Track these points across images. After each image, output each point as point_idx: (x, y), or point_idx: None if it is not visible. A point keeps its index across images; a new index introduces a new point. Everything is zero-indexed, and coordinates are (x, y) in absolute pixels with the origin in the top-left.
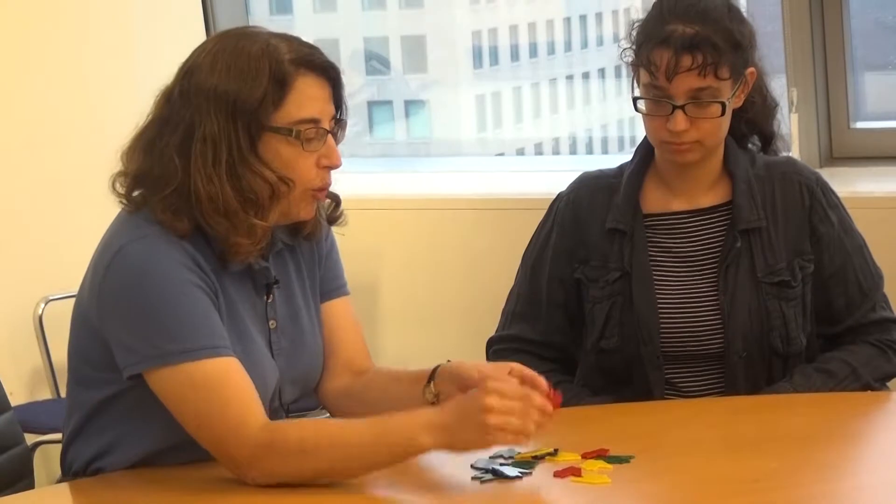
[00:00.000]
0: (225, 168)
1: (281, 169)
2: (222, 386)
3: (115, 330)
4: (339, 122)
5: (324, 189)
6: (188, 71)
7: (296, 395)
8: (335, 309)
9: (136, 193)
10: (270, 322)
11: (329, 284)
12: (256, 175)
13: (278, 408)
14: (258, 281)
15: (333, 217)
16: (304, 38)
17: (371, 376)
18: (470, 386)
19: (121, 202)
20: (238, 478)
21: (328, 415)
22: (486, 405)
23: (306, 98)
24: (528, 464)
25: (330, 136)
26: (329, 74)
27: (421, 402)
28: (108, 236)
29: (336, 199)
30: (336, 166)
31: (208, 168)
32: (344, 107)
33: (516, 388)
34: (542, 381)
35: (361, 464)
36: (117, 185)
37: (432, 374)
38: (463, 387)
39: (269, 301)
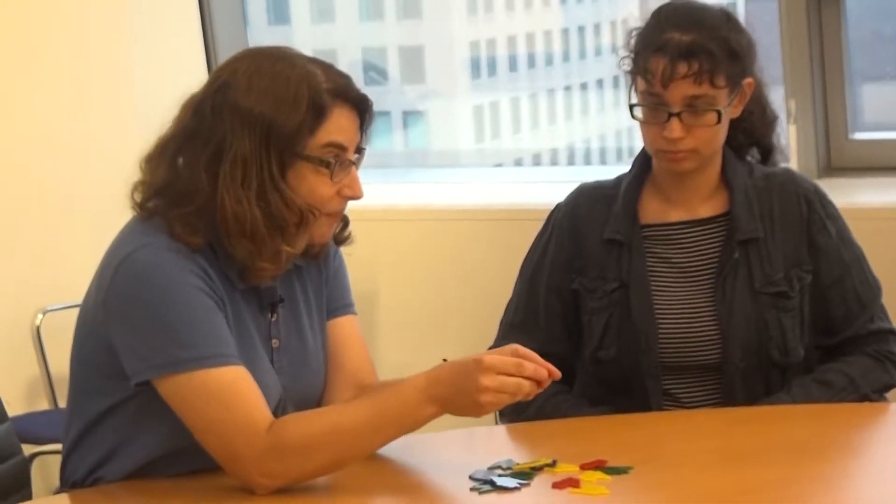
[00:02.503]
0: (255, 191)
1: (306, 196)
2: (232, 394)
3: (123, 336)
4: (360, 152)
5: (339, 214)
6: (222, 86)
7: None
8: (341, 326)
9: (151, 203)
10: (273, 341)
11: (335, 303)
12: (285, 201)
13: None
14: (263, 299)
15: (341, 238)
16: (302, 50)
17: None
18: None
19: (133, 208)
20: (247, 487)
21: None
22: (482, 385)
23: (338, 129)
24: (526, 475)
25: (353, 167)
26: (360, 106)
27: None
28: (117, 242)
29: (345, 220)
30: (358, 197)
31: (238, 189)
32: (366, 136)
33: (509, 361)
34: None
35: (369, 445)
36: (135, 194)
37: None
38: None
39: (273, 320)
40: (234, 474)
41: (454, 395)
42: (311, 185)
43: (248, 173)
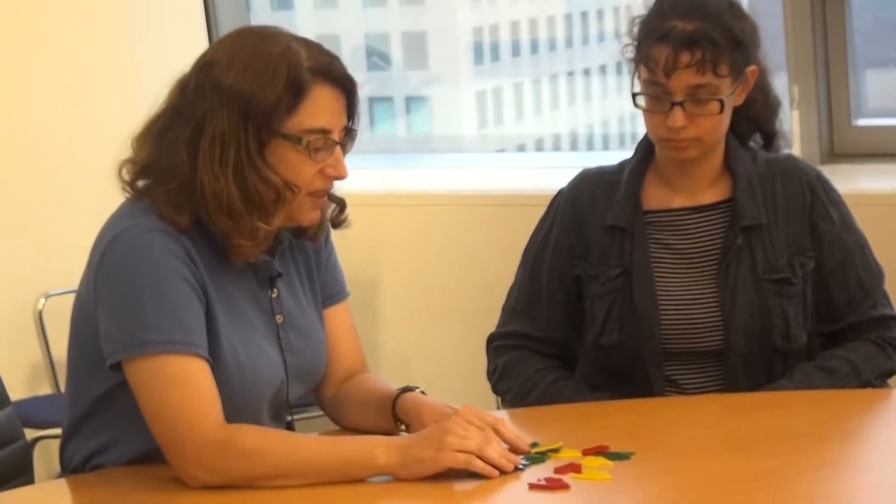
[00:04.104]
0: (232, 168)
1: (286, 174)
2: (189, 381)
3: (103, 318)
4: (349, 133)
5: (324, 193)
6: (205, 65)
7: (301, 392)
8: (335, 315)
9: (140, 183)
10: (277, 316)
11: (330, 289)
12: (262, 179)
13: (283, 405)
14: (261, 275)
15: (338, 221)
16: (305, 35)
17: (350, 387)
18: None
19: (124, 189)
20: (182, 476)
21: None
22: (449, 427)
23: (320, 108)
24: (531, 458)
25: (338, 147)
26: (345, 85)
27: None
28: (106, 225)
29: (341, 204)
30: (341, 177)
31: (215, 166)
32: (356, 117)
33: (485, 417)
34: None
35: (314, 472)
36: (123, 172)
37: (394, 412)
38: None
39: (275, 296)
40: (172, 461)
41: (416, 440)
42: (292, 163)
43: (226, 150)
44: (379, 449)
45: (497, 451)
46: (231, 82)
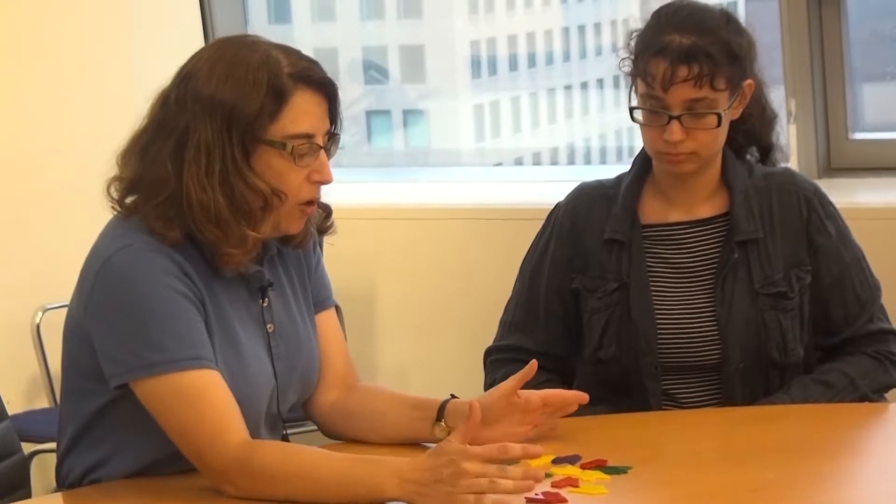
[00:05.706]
0: (218, 177)
1: (272, 181)
2: (202, 398)
3: (102, 340)
4: (332, 137)
5: (312, 203)
6: (185, 76)
7: (294, 402)
8: (323, 321)
9: (129, 200)
10: (268, 325)
11: (318, 296)
12: (249, 186)
13: (276, 416)
14: (252, 285)
15: (324, 227)
16: (303, 48)
17: (364, 395)
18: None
19: (113, 208)
20: (215, 488)
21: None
22: (463, 470)
23: (302, 113)
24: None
25: (322, 151)
26: (326, 90)
27: (426, 434)
28: (97, 245)
29: (327, 210)
30: (327, 182)
31: (201, 176)
32: (339, 122)
33: (492, 452)
34: (570, 396)
35: (325, 500)
36: (112, 190)
37: (441, 411)
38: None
39: (265, 305)
40: (203, 475)
41: (429, 481)
42: (278, 169)
43: (211, 160)
44: (390, 483)
45: (510, 482)
46: (212, 92)
